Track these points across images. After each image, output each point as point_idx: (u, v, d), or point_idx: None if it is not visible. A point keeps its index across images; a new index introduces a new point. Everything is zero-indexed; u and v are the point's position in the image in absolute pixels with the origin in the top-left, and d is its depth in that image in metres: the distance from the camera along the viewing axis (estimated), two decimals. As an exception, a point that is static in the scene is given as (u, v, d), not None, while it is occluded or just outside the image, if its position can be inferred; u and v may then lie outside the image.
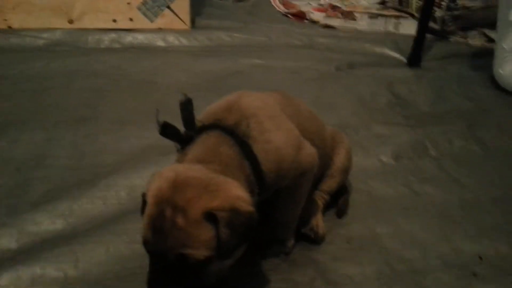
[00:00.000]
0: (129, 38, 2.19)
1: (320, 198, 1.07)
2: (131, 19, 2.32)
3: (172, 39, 2.22)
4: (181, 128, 0.85)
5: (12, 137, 1.33)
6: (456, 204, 1.15)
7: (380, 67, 2.00)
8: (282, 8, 2.91)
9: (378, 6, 2.90)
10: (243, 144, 0.82)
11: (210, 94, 0.97)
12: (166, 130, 0.85)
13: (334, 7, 2.92)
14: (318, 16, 2.81)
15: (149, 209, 0.74)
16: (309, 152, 0.90)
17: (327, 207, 1.09)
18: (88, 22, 2.27)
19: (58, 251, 0.91)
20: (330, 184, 1.08)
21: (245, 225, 0.74)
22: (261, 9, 2.87)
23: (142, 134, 1.38)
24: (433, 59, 2.07)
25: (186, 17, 2.38)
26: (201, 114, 0.89)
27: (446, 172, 1.27)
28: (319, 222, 1.02)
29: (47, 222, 1.00)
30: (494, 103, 1.71)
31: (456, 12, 2.43)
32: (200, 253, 0.71)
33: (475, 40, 2.45)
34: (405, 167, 1.29)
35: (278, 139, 0.85)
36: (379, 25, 2.69)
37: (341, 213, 1.09)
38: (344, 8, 2.90)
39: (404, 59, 2.11)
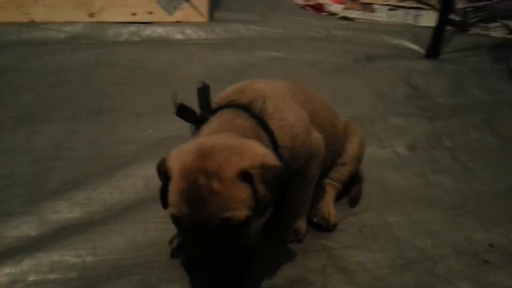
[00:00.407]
0: (148, 31, 2.22)
1: (332, 187, 1.08)
2: (150, 13, 2.35)
3: (190, 32, 2.23)
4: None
5: (33, 128, 1.36)
6: (470, 194, 1.14)
7: (398, 59, 1.98)
8: (300, 1, 2.90)
9: (398, -3, 2.86)
10: (259, 119, 0.84)
11: (227, 87, 0.98)
12: (182, 111, 0.88)
13: (353, -1, 2.89)
14: (336, 8, 2.79)
15: (177, 184, 0.74)
16: (317, 136, 0.92)
17: (340, 196, 1.09)
18: (108, 16, 2.31)
19: (77, 238, 0.94)
20: (342, 172, 1.09)
21: (276, 179, 0.75)
22: (279, 1, 2.87)
23: (159, 126, 1.40)
24: (452, 51, 2.05)
25: (204, 10, 2.39)
26: (215, 98, 0.91)
27: (461, 163, 1.26)
28: (330, 210, 1.02)
29: (66, 211, 1.02)
30: (512, 96, 1.68)
31: (478, 4, 2.38)
32: (241, 213, 0.73)
33: (496, 32, 2.40)
34: (420, 158, 1.29)
35: (291, 117, 0.87)
36: (399, 17, 2.66)
37: (354, 202, 1.10)
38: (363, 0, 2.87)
39: (423, 51, 2.08)
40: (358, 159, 1.10)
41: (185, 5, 2.38)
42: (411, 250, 0.95)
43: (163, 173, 0.78)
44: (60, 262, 0.89)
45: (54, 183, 1.11)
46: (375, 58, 2.00)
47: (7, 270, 0.86)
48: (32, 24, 2.21)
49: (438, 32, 2.03)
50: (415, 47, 2.15)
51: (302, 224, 0.97)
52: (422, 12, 2.69)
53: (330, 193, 1.06)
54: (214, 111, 0.86)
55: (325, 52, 2.05)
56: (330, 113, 1.06)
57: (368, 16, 2.67)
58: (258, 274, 0.88)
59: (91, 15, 2.30)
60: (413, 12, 2.70)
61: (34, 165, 1.18)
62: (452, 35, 2.25)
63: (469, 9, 2.41)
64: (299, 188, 0.94)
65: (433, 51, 2.04)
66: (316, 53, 2.03)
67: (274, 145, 0.83)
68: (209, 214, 0.71)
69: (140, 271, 0.87)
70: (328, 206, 1.02)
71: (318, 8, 2.79)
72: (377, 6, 2.76)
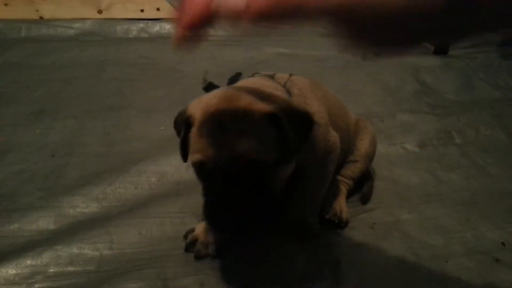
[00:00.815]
0: (156, 28, 2.23)
1: (344, 184, 1.09)
2: (158, 9, 2.36)
3: (198, 28, 2.24)
4: None
5: (46, 125, 1.38)
6: (480, 191, 1.15)
7: (406, 55, 1.98)
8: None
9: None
10: (286, 90, 0.83)
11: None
12: (210, 87, 0.90)
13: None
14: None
15: (202, 127, 0.72)
16: (334, 134, 0.93)
17: (351, 193, 1.10)
18: (116, 12, 2.32)
19: (94, 232, 0.96)
20: (353, 169, 1.10)
21: (304, 124, 0.75)
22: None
23: (170, 122, 1.39)
24: (461, 47, 2.04)
25: (212, 6, 2.40)
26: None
27: (471, 159, 1.27)
28: (342, 207, 1.03)
29: (83, 205, 1.04)
30: (522, 92, 1.68)
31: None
32: (269, 155, 0.72)
33: (505, 27, 2.40)
34: (430, 154, 1.29)
35: (314, 106, 0.87)
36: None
37: (365, 199, 1.11)
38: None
39: (431, 47, 2.08)
40: (370, 156, 1.11)
41: (193, 1, 2.39)
42: (422, 247, 0.96)
43: (184, 121, 0.76)
44: (79, 255, 0.91)
45: (70, 178, 1.13)
46: (384, 53, 2.00)
47: (28, 262, 0.88)
48: (41, 21, 2.23)
49: (446, 28, 2.03)
50: (424, 43, 2.15)
51: (314, 220, 0.98)
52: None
53: (342, 190, 1.07)
54: None
55: (332, 49, 2.04)
56: (344, 111, 1.07)
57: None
58: (270, 269, 0.89)
59: (99, 11, 2.31)
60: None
61: (49, 161, 1.20)
62: (460, 31, 2.25)
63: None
64: (315, 185, 0.95)
65: (441, 47, 2.04)
66: (323, 49, 2.04)
67: None
68: (237, 155, 0.70)
69: (155, 265, 0.89)
70: (340, 203, 1.03)
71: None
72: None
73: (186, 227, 0.97)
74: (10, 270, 0.86)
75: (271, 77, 0.88)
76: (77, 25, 2.20)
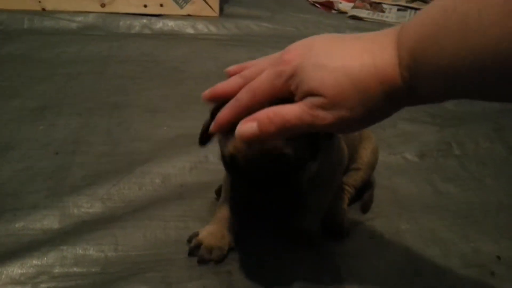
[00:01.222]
0: (159, 24, 2.24)
1: (345, 192, 1.10)
2: (161, 5, 2.36)
3: (201, 26, 2.25)
4: None
5: (50, 121, 1.38)
6: (478, 204, 1.17)
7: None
8: (310, -3, 2.91)
9: (407, -2, 2.87)
10: None
11: None
12: None
13: (362, -2, 2.91)
14: (345, 6, 2.81)
15: None
16: (344, 146, 0.96)
17: (352, 202, 1.12)
18: (119, 7, 2.32)
19: (99, 233, 0.96)
20: (355, 177, 1.11)
21: None
22: (289, -4, 2.87)
23: (173, 123, 1.43)
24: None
25: (215, 4, 2.41)
26: None
27: (469, 172, 1.29)
28: (344, 216, 1.05)
29: (87, 205, 1.05)
30: (523, 105, 1.71)
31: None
32: (299, 152, 0.73)
33: (505, 37, 2.43)
34: (430, 165, 1.31)
35: None
36: (408, 18, 2.68)
37: (365, 208, 1.12)
38: (372, -1, 2.88)
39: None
40: (372, 165, 1.13)
41: (196, -2, 2.40)
42: (421, 259, 0.98)
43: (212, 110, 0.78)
44: (84, 256, 0.92)
45: (74, 177, 1.14)
46: (384, 60, 2.02)
47: (34, 262, 0.89)
48: (43, 13, 2.22)
49: (447, 37, 2.05)
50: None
51: (316, 229, 1.00)
52: (431, 14, 2.70)
53: (344, 198, 1.08)
54: None
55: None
56: None
57: (377, 16, 2.69)
58: (271, 276, 0.91)
59: (102, 5, 2.31)
60: (421, 13, 2.71)
61: (54, 159, 1.20)
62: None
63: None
64: (321, 194, 0.97)
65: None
66: (326, 53, 2.05)
67: None
68: (267, 150, 0.71)
69: (160, 268, 0.90)
70: (342, 212, 1.05)
71: (328, 5, 2.81)
72: (386, 6, 2.78)
73: (190, 231, 0.98)
74: (16, 270, 0.87)
75: None
76: (79, 18, 2.19)
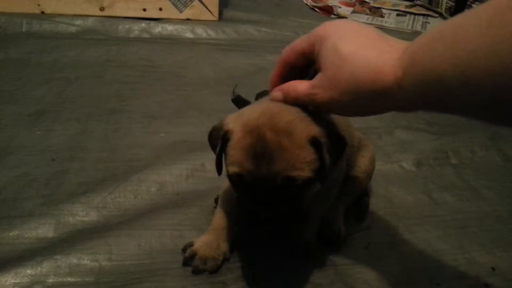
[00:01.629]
0: (158, 29, 2.24)
1: (342, 201, 1.10)
2: (160, 9, 2.37)
3: (200, 31, 2.25)
4: None
5: (47, 127, 1.39)
6: (474, 214, 1.17)
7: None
8: (310, 1, 2.92)
9: (407, 3, 2.88)
10: None
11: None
12: (238, 100, 0.96)
13: (362, 2, 2.92)
14: (345, 10, 2.81)
15: (242, 140, 0.75)
16: (343, 159, 0.95)
17: (347, 210, 1.12)
18: (118, 10, 2.33)
19: (93, 242, 0.96)
20: (352, 186, 1.11)
21: (339, 149, 0.80)
22: (289, 1, 2.88)
23: (171, 129, 1.43)
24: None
25: (215, 8, 2.42)
26: None
27: (465, 181, 1.29)
28: (341, 225, 1.05)
29: (82, 214, 1.05)
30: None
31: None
32: (306, 174, 0.75)
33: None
34: (426, 174, 1.31)
35: (341, 126, 0.91)
36: (407, 23, 2.68)
37: (361, 216, 1.12)
38: (372, 3, 2.89)
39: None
40: (369, 174, 1.13)
41: (195, 2, 2.40)
42: (416, 269, 0.98)
43: (221, 136, 0.79)
44: (78, 266, 0.92)
45: (70, 185, 1.14)
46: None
47: (28, 271, 0.89)
48: (42, 16, 2.22)
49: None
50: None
51: (312, 239, 1.00)
52: (430, 19, 2.71)
53: (340, 207, 1.08)
54: None
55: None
56: (347, 125, 1.08)
57: (376, 21, 2.69)
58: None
59: (101, 9, 2.31)
60: (421, 18, 2.72)
61: (50, 165, 1.21)
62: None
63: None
64: (320, 207, 0.97)
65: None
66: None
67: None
68: (276, 170, 0.73)
69: (155, 278, 0.90)
70: (338, 221, 1.05)
71: (328, 10, 2.81)
72: (385, 11, 2.78)
73: (185, 240, 0.98)
74: (10, 279, 0.87)
75: None
76: (78, 22, 2.20)
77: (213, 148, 0.82)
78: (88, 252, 0.95)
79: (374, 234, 1.07)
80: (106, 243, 0.97)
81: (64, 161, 1.23)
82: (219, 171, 0.83)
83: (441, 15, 2.71)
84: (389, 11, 2.78)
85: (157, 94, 1.64)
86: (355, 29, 0.68)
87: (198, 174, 1.22)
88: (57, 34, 2.10)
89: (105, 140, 1.35)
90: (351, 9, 2.82)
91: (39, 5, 2.26)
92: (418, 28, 2.63)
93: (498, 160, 1.41)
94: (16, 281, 0.87)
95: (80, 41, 2.04)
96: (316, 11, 2.82)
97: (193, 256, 0.94)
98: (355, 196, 1.13)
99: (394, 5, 2.82)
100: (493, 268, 1.01)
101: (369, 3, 2.90)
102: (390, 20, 2.70)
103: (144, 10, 2.35)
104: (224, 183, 1.00)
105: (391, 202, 1.19)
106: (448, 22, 0.56)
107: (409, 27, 2.63)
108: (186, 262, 0.94)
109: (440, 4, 2.67)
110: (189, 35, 2.24)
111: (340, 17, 2.76)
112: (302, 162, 0.74)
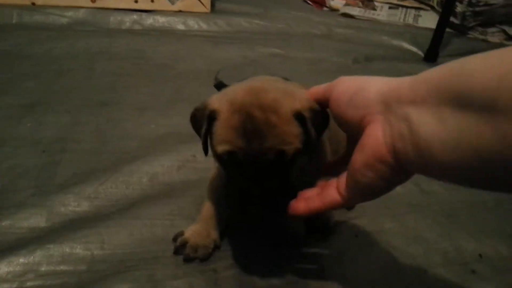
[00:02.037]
0: (150, 20, 2.23)
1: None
2: (152, 0, 2.36)
3: (192, 23, 2.25)
4: None
5: (38, 118, 1.39)
6: (461, 204, 1.19)
7: (397, 61, 2.02)
8: (302, -7, 2.91)
9: (399, -4, 2.89)
10: None
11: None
12: (220, 85, 0.92)
13: (354, -5, 2.92)
14: (337, 3, 2.82)
15: (230, 119, 0.77)
16: (327, 145, 0.96)
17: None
18: (110, 2, 2.32)
19: (85, 232, 0.97)
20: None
21: (322, 123, 0.81)
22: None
23: (162, 121, 1.43)
24: (450, 55, 2.09)
25: (207, 0, 2.41)
26: None
27: (454, 171, 1.31)
28: (330, 214, 1.06)
29: (74, 204, 1.06)
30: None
31: (477, 8, 2.43)
32: (295, 145, 0.78)
33: (494, 37, 2.45)
34: (415, 165, 1.32)
35: None
36: (399, 16, 2.69)
37: (350, 206, 1.13)
38: (364, -4, 2.89)
39: (421, 53, 2.12)
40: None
41: (187, -6, 2.39)
42: (404, 257, 0.99)
43: (206, 116, 0.80)
44: (70, 254, 0.92)
45: (62, 176, 1.14)
46: (374, 58, 2.04)
47: (21, 260, 0.89)
48: (33, 7, 2.21)
49: (437, 35, 2.07)
50: (414, 49, 2.19)
51: (300, 228, 1.01)
52: (422, 12, 2.72)
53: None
54: None
55: (325, 51, 2.08)
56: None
57: (369, 14, 2.70)
58: (255, 277, 0.92)
59: (93, 0, 2.30)
60: (413, 11, 2.73)
61: (41, 157, 1.21)
62: (450, 39, 2.29)
63: (468, 13, 2.45)
64: (308, 183, 0.98)
65: (431, 54, 2.08)
66: (316, 51, 2.06)
67: None
68: (267, 146, 0.76)
69: (146, 267, 0.91)
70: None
71: (320, 2, 2.82)
72: (378, 4, 2.79)
73: (176, 229, 0.99)
74: (3, 268, 0.87)
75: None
76: (70, 13, 2.19)
77: (198, 129, 0.83)
78: (81, 241, 0.95)
79: (363, 223, 1.09)
80: (98, 233, 0.98)
81: (56, 152, 1.23)
82: (206, 151, 0.84)
83: (433, 8, 2.73)
84: (381, 4, 2.79)
85: (147, 86, 1.65)
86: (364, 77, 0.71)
87: (189, 165, 1.22)
88: (48, 26, 2.09)
89: (96, 131, 1.35)
90: (343, 2, 2.82)
91: (29, -4, 2.25)
92: (410, 21, 2.64)
93: (486, 150, 1.42)
94: (9, 270, 0.87)
95: (71, 33, 2.03)
96: (308, 3, 2.82)
97: (184, 244, 0.94)
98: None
99: (386, -3, 2.83)
100: (480, 255, 1.02)
101: (361, -5, 2.90)
102: (382, 13, 2.71)
103: (136, 1, 2.35)
104: (210, 173, 1.01)
105: (380, 192, 1.20)
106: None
107: (401, 20, 2.65)
108: (177, 251, 0.94)
109: (431, -3, 2.68)
110: (181, 27, 2.24)
111: (332, 9, 2.76)
112: (290, 136, 0.77)
